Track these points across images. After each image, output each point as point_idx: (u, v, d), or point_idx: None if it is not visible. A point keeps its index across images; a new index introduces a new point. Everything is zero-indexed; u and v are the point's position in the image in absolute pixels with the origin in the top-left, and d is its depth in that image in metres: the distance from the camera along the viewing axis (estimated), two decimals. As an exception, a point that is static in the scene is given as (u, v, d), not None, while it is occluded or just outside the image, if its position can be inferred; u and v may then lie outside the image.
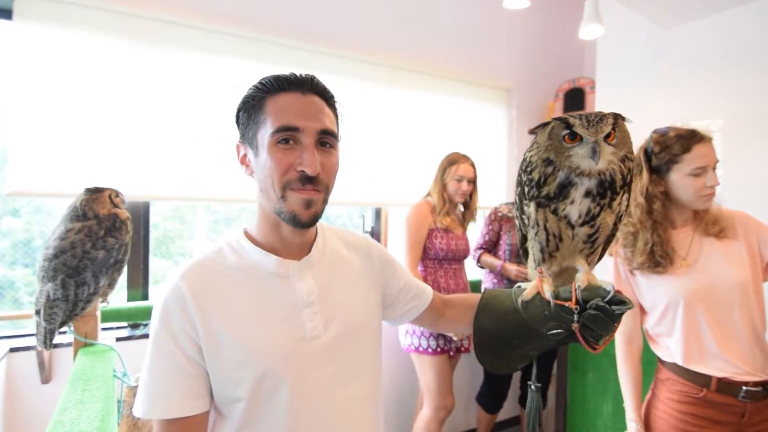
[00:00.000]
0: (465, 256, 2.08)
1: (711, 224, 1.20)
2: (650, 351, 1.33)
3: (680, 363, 1.21)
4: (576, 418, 2.11)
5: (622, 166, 0.63)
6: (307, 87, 0.71)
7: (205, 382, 0.68)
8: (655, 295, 1.25)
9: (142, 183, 1.76)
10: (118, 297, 1.81)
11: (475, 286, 2.43)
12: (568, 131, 0.62)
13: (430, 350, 1.88)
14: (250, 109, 0.72)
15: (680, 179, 1.19)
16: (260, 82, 0.72)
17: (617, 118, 0.62)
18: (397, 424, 2.41)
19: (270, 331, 0.70)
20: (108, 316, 1.61)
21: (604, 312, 0.63)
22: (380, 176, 2.30)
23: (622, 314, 0.63)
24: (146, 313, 1.75)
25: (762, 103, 1.70)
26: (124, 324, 1.81)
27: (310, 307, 0.73)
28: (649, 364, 1.35)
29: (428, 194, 2.06)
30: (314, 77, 0.73)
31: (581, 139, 0.61)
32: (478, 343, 0.80)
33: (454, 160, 2.01)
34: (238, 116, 0.76)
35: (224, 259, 0.73)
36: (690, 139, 1.18)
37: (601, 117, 0.60)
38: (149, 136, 1.76)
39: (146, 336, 1.76)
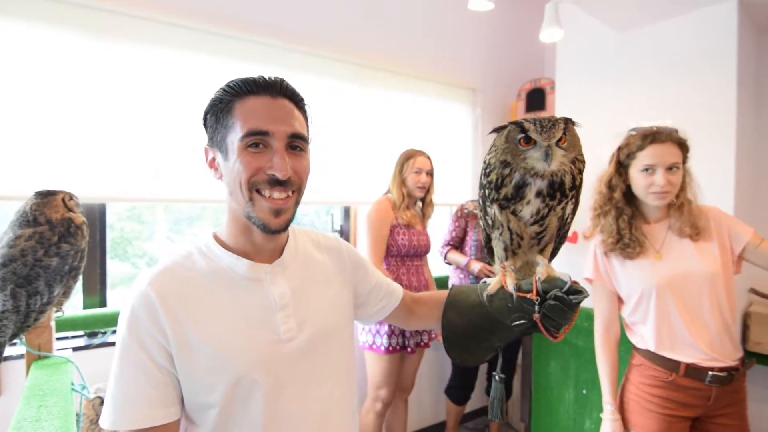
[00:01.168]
0: (426, 252, 2.11)
1: (687, 226, 1.26)
2: (627, 340, 1.41)
3: (652, 349, 1.29)
4: (540, 406, 2.20)
5: (573, 167, 0.67)
6: (276, 90, 0.70)
7: (175, 390, 0.66)
8: (631, 285, 1.32)
9: (97, 184, 1.66)
10: (73, 304, 1.71)
11: (442, 282, 2.48)
12: (523, 135, 0.65)
13: (382, 348, 1.91)
14: (218, 112, 0.70)
15: (635, 174, 1.28)
16: (228, 85, 0.70)
17: (568, 123, 0.66)
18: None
19: (243, 335, 0.69)
20: (63, 325, 1.52)
21: (562, 302, 0.67)
22: (349, 174, 2.29)
23: (579, 303, 0.67)
24: (104, 321, 1.67)
25: (707, 104, 1.82)
26: (81, 333, 1.71)
27: (284, 310, 0.72)
28: (627, 352, 1.43)
29: (387, 191, 2.07)
30: (283, 80, 0.72)
31: (535, 142, 0.65)
32: (447, 337, 0.83)
33: (410, 154, 2.04)
34: (205, 119, 0.74)
35: (194, 264, 0.71)
36: (647, 138, 1.26)
37: (553, 122, 0.64)
38: (104, 135, 1.66)
39: (105, 344, 1.70)
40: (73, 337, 1.70)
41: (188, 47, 1.84)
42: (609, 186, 1.33)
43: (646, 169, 1.25)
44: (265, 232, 0.71)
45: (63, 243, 1.10)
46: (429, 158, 2.08)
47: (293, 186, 0.70)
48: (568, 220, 0.72)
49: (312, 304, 0.76)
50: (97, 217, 1.77)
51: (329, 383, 0.76)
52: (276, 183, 0.68)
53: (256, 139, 0.67)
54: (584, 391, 2.00)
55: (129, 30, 1.71)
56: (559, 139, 0.65)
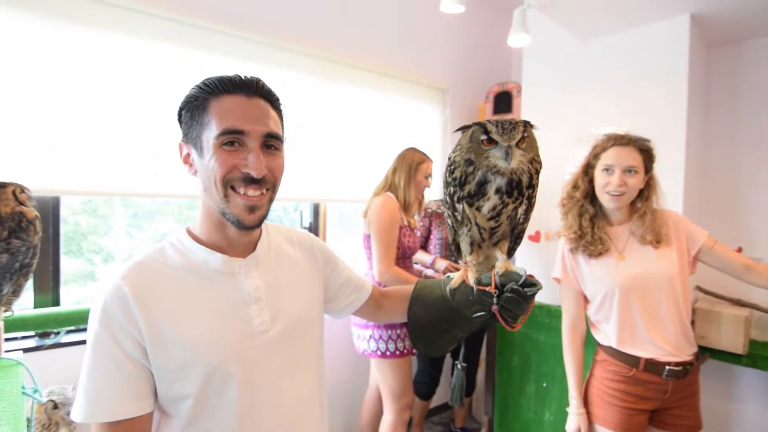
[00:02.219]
0: (416, 251, 2.13)
1: (648, 232, 1.33)
2: (592, 339, 1.48)
3: (614, 346, 1.36)
4: (503, 400, 2.27)
5: (530, 167, 0.72)
6: (252, 90, 0.71)
7: (148, 382, 0.67)
8: (595, 285, 1.39)
9: (50, 175, 1.57)
10: (23, 302, 1.61)
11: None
12: (486, 136, 0.70)
13: (397, 353, 1.87)
14: (194, 109, 0.71)
15: (597, 174, 1.35)
16: (204, 83, 0.71)
17: (527, 126, 0.71)
18: (346, 419, 2.45)
19: (217, 327, 0.70)
20: (12, 325, 1.43)
21: (518, 294, 0.73)
22: (318, 171, 2.28)
23: (533, 295, 0.73)
24: (57, 321, 1.58)
25: (660, 112, 1.93)
26: (31, 333, 1.62)
27: (258, 303, 0.74)
28: (593, 350, 1.50)
29: (387, 191, 2.00)
30: (260, 80, 0.73)
31: (497, 143, 0.69)
32: (413, 329, 0.88)
33: (422, 159, 2.02)
34: (180, 115, 0.74)
35: (167, 259, 0.72)
36: (612, 140, 1.33)
37: (513, 125, 0.69)
38: (58, 124, 1.57)
39: (58, 345, 1.61)
40: (23, 337, 1.60)
41: (153, 36, 1.76)
42: (574, 185, 1.41)
43: (606, 169, 1.31)
44: (239, 228, 0.72)
45: (13, 239, 1.04)
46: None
47: (268, 184, 0.72)
48: (521, 219, 0.77)
49: (285, 297, 0.78)
50: (51, 210, 1.68)
51: (301, 374, 0.78)
52: (251, 181, 0.69)
53: (232, 138, 0.68)
54: (545, 384, 2.08)
55: (90, 16, 1.62)
56: (519, 141, 0.69)
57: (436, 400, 2.66)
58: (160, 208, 2.18)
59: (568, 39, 2.18)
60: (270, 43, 2.08)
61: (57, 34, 1.57)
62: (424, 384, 2.42)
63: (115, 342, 0.64)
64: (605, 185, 1.32)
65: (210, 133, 0.69)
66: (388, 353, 1.88)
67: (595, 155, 1.36)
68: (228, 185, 0.69)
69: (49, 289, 1.69)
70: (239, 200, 0.70)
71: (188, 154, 0.74)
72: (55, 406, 1.28)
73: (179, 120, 0.75)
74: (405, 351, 1.89)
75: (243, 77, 0.71)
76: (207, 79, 0.71)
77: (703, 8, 1.82)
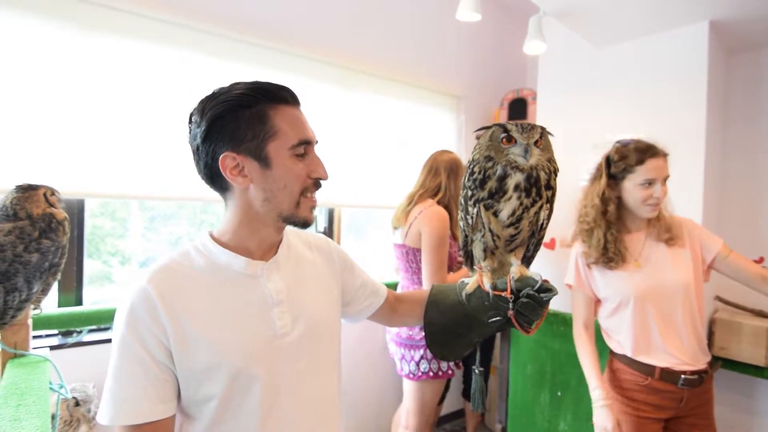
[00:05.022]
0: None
1: (663, 231, 1.34)
2: (603, 343, 1.46)
3: (629, 354, 1.35)
4: (517, 408, 2.25)
5: (548, 165, 0.74)
6: (295, 99, 0.77)
7: (172, 386, 0.68)
8: (609, 292, 1.38)
9: (76, 179, 1.62)
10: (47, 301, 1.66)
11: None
12: (505, 134, 0.73)
13: (448, 372, 1.81)
14: (248, 119, 0.70)
15: (632, 187, 1.32)
16: (252, 90, 0.71)
17: (543, 130, 0.74)
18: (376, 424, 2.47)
19: (242, 329, 0.71)
20: (37, 323, 1.47)
21: (533, 299, 0.73)
22: (333, 177, 2.30)
23: (549, 300, 0.74)
24: (80, 320, 1.63)
25: (678, 121, 1.91)
26: (54, 332, 1.67)
27: (279, 306, 0.75)
28: (603, 357, 1.48)
29: (437, 200, 1.82)
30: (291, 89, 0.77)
31: (516, 141, 0.72)
32: (429, 334, 0.89)
33: (462, 163, 1.89)
34: (214, 123, 0.71)
35: (191, 262, 0.74)
36: (645, 152, 1.31)
37: (532, 126, 0.73)
38: (84, 129, 1.63)
39: (80, 344, 1.66)
40: (47, 335, 1.65)
41: (173, 43, 1.82)
42: (602, 200, 1.35)
43: (646, 183, 1.29)
44: (302, 227, 0.77)
45: (44, 239, 1.08)
46: None
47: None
48: (543, 225, 0.78)
49: (305, 301, 0.80)
50: (75, 213, 1.73)
51: (321, 377, 0.80)
52: (318, 186, 0.76)
53: (306, 148, 0.74)
54: (559, 393, 2.05)
55: (111, 23, 1.68)
56: (536, 141, 0.72)
57: (447, 407, 2.65)
58: (176, 211, 2.22)
59: (584, 46, 2.18)
60: (286, 50, 2.12)
61: (80, 42, 1.62)
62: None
63: (141, 344, 0.65)
64: (646, 198, 1.30)
65: (281, 144, 0.72)
66: (440, 373, 1.79)
67: (625, 168, 1.32)
68: (304, 193, 0.75)
69: (72, 289, 1.74)
70: (309, 203, 0.76)
71: (240, 167, 0.71)
72: (77, 404, 1.31)
73: (215, 128, 0.71)
74: (450, 371, 1.83)
75: (288, 89, 0.76)
76: (253, 87, 0.71)
77: (722, 15, 1.80)
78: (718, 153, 2.10)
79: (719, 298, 2.08)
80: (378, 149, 2.48)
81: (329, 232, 2.47)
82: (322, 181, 0.78)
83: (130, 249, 2.11)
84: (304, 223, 0.76)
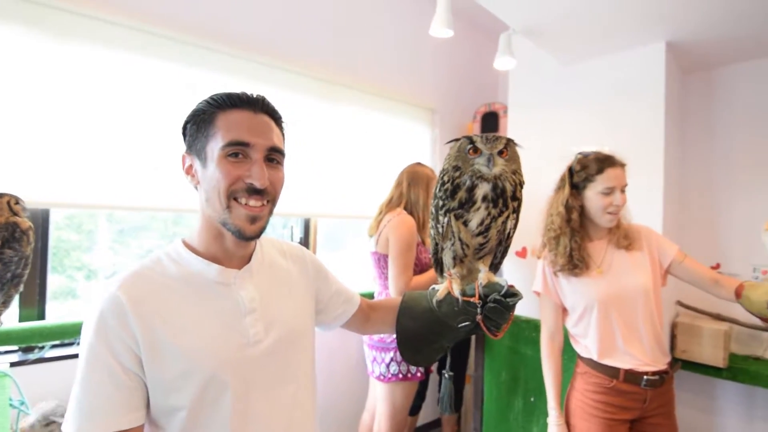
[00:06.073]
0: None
1: (622, 238, 1.40)
2: (572, 349, 1.51)
3: (595, 358, 1.40)
4: (491, 415, 2.27)
5: (513, 177, 0.78)
6: (258, 106, 0.75)
7: (141, 394, 0.67)
8: (575, 299, 1.43)
9: (41, 188, 1.57)
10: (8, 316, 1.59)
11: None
12: (471, 145, 0.77)
13: (418, 374, 1.85)
14: (200, 122, 0.74)
15: (593, 196, 1.39)
16: (212, 98, 0.74)
17: (509, 141, 0.78)
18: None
19: (214, 337, 0.70)
20: (-4, 338, 1.41)
21: (500, 304, 0.77)
22: (310, 187, 2.31)
23: (515, 304, 0.78)
24: (42, 335, 1.56)
25: (639, 135, 2.02)
26: (14, 348, 1.59)
27: (252, 314, 0.75)
28: (571, 361, 1.53)
29: (404, 207, 1.94)
30: (264, 98, 0.77)
31: (481, 152, 0.76)
32: (402, 341, 0.90)
33: (434, 174, 1.98)
34: (185, 128, 0.77)
35: (163, 269, 0.73)
36: (604, 162, 1.38)
37: (496, 137, 0.76)
38: (51, 136, 1.58)
39: (42, 360, 1.59)
40: (7, 352, 1.58)
41: (144, 52, 1.79)
42: (566, 208, 1.42)
43: (605, 191, 1.36)
44: (239, 239, 0.74)
45: (6, 248, 1.04)
46: None
47: (269, 196, 0.74)
48: (510, 234, 0.82)
49: (278, 309, 0.80)
50: (40, 223, 1.67)
51: (294, 385, 0.79)
52: (253, 192, 0.72)
53: (237, 149, 0.71)
54: (532, 399, 2.09)
55: (79, 30, 1.64)
56: (501, 151, 0.76)
57: (423, 417, 2.65)
58: (146, 223, 2.14)
59: (552, 63, 2.28)
60: (264, 61, 2.13)
61: (46, 49, 1.59)
62: (411, 400, 2.41)
63: (110, 353, 0.64)
64: (606, 206, 1.36)
65: (215, 144, 0.71)
66: (409, 375, 1.84)
67: (586, 177, 1.39)
68: (231, 196, 0.71)
69: (34, 303, 1.67)
70: (242, 210, 0.72)
71: (191, 166, 0.76)
72: (47, 425, 1.26)
73: (184, 132, 0.77)
74: (420, 374, 1.87)
75: (250, 94, 0.75)
76: (215, 95, 0.74)
77: (677, 37, 1.93)
78: (676, 165, 2.22)
79: (680, 303, 2.18)
80: (354, 160, 2.51)
81: (305, 242, 2.46)
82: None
83: (97, 263, 2.02)
84: (239, 233, 0.72)
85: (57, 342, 1.63)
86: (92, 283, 1.98)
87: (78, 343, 1.66)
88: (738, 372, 1.92)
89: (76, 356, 1.62)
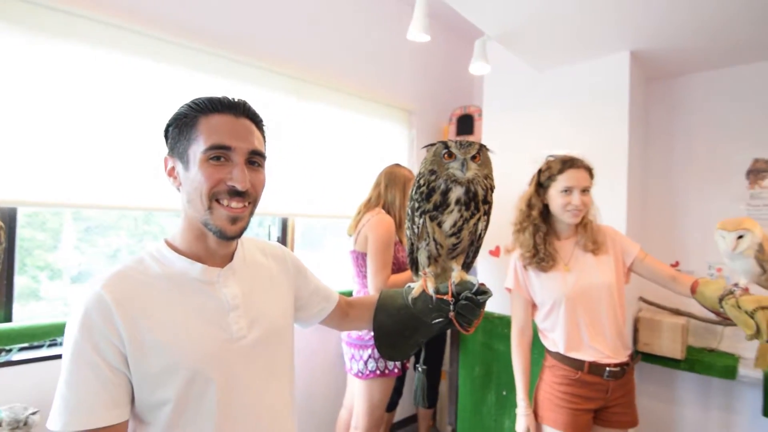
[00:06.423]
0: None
1: (590, 242, 1.48)
2: (541, 345, 1.59)
3: (562, 351, 1.48)
4: (466, 410, 2.34)
5: (485, 182, 0.83)
6: (239, 110, 0.77)
7: (126, 390, 0.68)
8: (544, 294, 1.50)
9: (8, 186, 1.53)
10: (-28, 319, 1.53)
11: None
12: (446, 150, 0.81)
13: (396, 371, 1.89)
14: (183, 125, 0.75)
15: (555, 194, 1.46)
16: (194, 102, 0.76)
17: (482, 147, 0.83)
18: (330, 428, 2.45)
19: (197, 334, 0.72)
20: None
21: (472, 301, 0.82)
22: (288, 187, 2.31)
23: (485, 301, 0.83)
24: (8, 338, 1.52)
25: (605, 139, 2.12)
26: (-21, 350, 1.54)
27: (236, 311, 0.77)
28: (540, 355, 1.60)
29: (380, 207, 1.99)
30: (246, 102, 0.79)
31: (455, 157, 0.80)
32: (378, 337, 0.94)
33: (412, 175, 2.01)
34: (167, 131, 0.78)
35: (146, 268, 0.74)
36: (566, 163, 1.46)
37: (470, 143, 0.81)
38: (17, 132, 1.53)
39: (8, 364, 1.54)
40: (-29, 355, 1.52)
41: (114, 47, 1.75)
42: (528, 204, 1.51)
43: (565, 190, 1.43)
44: (220, 238, 0.76)
45: (-25, 249, 1.01)
46: None
47: (250, 197, 0.77)
48: (481, 234, 0.87)
49: (261, 305, 0.82)
50: (7, 222, 1.62)
51: (276, 381, 0.82)
52: (235, 194, 0.74)
53: (219, 153, 0.73)
54: (504, 393, 2.17)
55: (47, 24, 1.60)
56: (474, 157, 0.80)
57: (401, 413, 2.70)
58: (115, 222, 2.07)
59: (525, 68, 2.35)
60: (240, 59, 2.11)
61: (11, 43, 1.54)
62: (388, 396, 2.45)
63: (95, 350, 0.65)
64: (565, 205, 1.43)
65: (198, 148, 0.73)
66: (387, 371, 1.88)
67: (549, 177, 1.48)
68: (213, 197, 0.73)
69: (1, 305, 1.62)
70: (223, 211, 0.74)
71: (173, 168, 0.77)
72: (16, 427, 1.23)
73: (166, 135, 0.79)
74: (396, 370, 1.91)
75: (231, 98, 0.77)
76: (197, 99, 0.76)
77: (641, 46, 2.03)
78: (640, 168, 2.34)
79: (642, 299, 2.30)
80: (332, 160, 2.52)
81: (283, 241, 2.46)
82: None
83: (62, 262, 1.94)
84: (221, 233, 0.74)
85: (26, 345, 1.59)
86: (56, 283, 1.91)
87: (48, 346, 1.63)
88: (695, 363, 2.05)
89: (44, 359, 1.59)
